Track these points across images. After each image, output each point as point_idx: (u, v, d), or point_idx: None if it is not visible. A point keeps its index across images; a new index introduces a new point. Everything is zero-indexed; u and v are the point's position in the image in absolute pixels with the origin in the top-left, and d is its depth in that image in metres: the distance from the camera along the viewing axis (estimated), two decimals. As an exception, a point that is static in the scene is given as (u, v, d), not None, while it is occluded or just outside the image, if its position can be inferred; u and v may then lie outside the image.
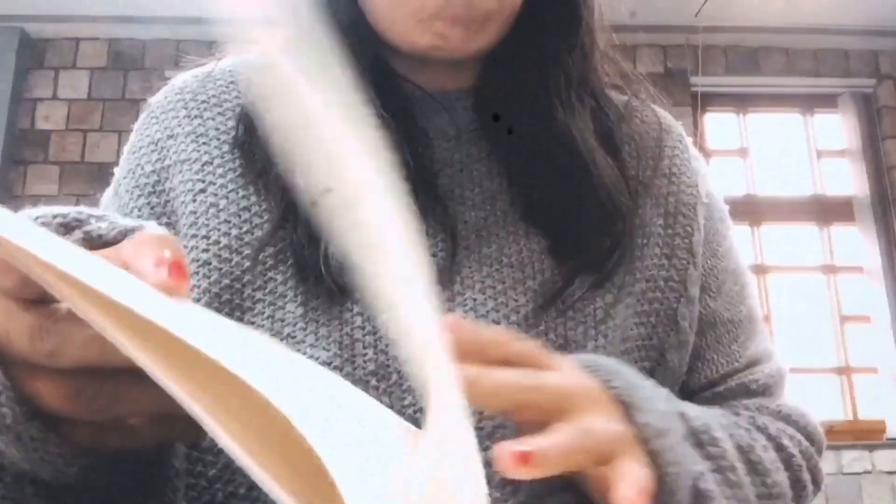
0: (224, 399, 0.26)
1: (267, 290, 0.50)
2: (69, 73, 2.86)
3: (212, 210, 0.52)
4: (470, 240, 0.53)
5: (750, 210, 2.95)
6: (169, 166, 0.54)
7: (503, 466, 0.36)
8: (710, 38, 2.92)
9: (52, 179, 2.76)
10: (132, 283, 0.26)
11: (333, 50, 0.30)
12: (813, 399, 2.70)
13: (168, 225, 0.53)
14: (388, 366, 0.48)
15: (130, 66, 2.87)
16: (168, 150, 0.55)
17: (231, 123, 0.55)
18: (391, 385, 0.47)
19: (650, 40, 2.89)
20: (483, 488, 0.27)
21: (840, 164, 3.06)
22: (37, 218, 0.31)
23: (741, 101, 3.09)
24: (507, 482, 0.46)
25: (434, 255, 0.52)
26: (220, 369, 0.23)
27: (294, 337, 0.48)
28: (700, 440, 0.47)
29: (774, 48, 3.03)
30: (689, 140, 0.65)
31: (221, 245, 0.50)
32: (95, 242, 0.31)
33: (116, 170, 0.58)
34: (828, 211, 3.00)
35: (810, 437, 0.57)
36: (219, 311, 0.49)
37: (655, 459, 0.42)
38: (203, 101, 0.56)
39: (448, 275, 0.51)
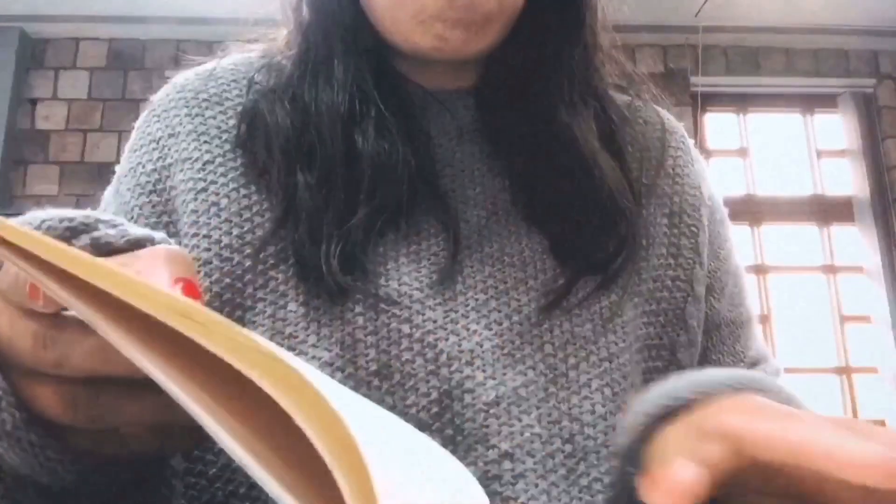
0: (225, 398, 0.26)
1: (268, 290, 0.50)
2: (69, 73, 2.86)
3: (213, 209, 0.51)
4: (472, 239, 0.53)
5: (750, 210, 2.94)
6: (170, 165, 0.54)
7: None
8: (710, 38, 2.92)
9: (52, 179, 2.75)
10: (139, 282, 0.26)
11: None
12: (813, 399, 2.70)
13: (169, 223, 0.53)
14: (390, 366, 0.48)
15: (130, 66, 2.86)
16: (169, 149, 0.55)
17: (232, 122, 0.55)
18: (393, 385, 0.47)
19: (650, 40, 2.88)
20: None
21: (840, 164, 3.06)
22: (43, 221, 0.31)
23: (741, 101, 3.08)
24: None
25: (436, 255, 0.52)
26: (228, 364, 0.23)
27: (296, 337, 0.48)
28: None
29: (774, 48, 3.03)
30: (691, 142, 0.65)
31: (222, 244, 0.50)
32: (103, 249, 0.31)
33: (117, 168, 0.58)
34: (828, 211, 3.00)
35: None
36: (220, 310, 0.49)
37: None
38: (205, 100, 0.56)
39: (450, 274, 0.51)
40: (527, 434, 0.48)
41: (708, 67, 2.95)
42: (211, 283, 0.49)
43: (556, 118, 0.54)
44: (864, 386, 2.82)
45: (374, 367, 0.47)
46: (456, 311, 0.50)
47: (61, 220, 0.31)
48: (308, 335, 0.48)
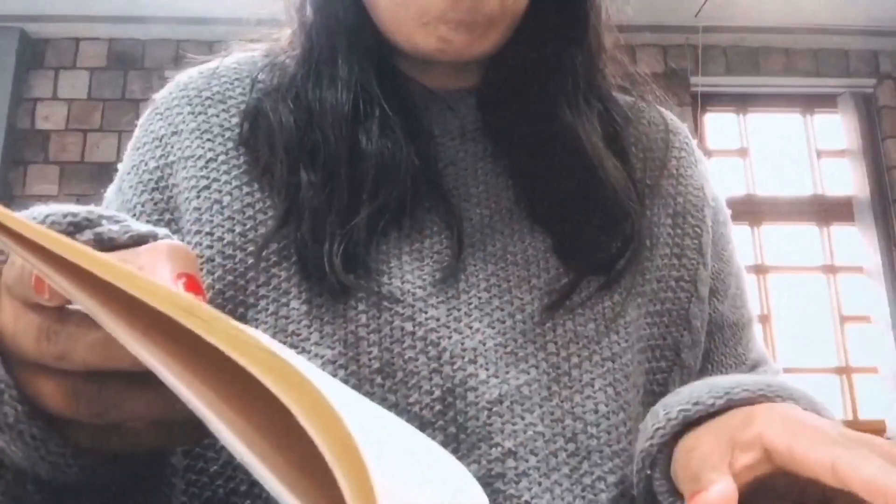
0: (227, 395, 0.26)
1: (271, 287, 0.50)
2: (69, 73, 2.86)
3: (216, 207, 0.51)
4: (475, 238, 0.53)
5: (750, 210, 2.95)
6: (173, 162, 0.54)
7: None
8: (710, 38, 2.92)
9: (52, 179, 2.76)
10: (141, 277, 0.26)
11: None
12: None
13: (171, 221, 0.53)
14: (392, 364, 0.48)
15: (130, 66, 2.87)
16: (172, 147, 0.55)
17: (235, 120, 0.55)
18: (396, 383, 0.47)
19: (650, 40, 2.89)
20: None
21: (840, 164, 3.06)
22: (47, 216, 0.31)
23: (741, 101, 3.09)
24: None
25: (439, 253, 0.52)
26: (231, 361, 0.23)
27: (298, 334, 0.48)
28: None
29: (774, 48, 3.03)
30: (694, 143, 0.65)
31: (225, 242, 0.50)
32: (105, 245, 0.31)
33: (120, 165, 0.58)
34: (828, 211, 3.00)
35: None
36: (222, 307, 0.49)
37: None
38: (207, 98, 0.56)
39: (453, 272, 0.51)
40: (530, 432, 0.48)
41: (708, 67, 2.95)
42: (213, 280, 0.49)
43: (560, 118, 0.54)
44: (864, 386, 2.82)
45: (376, 365, 0.47)
46: (459, 310, 0.50)
47: (65, 216, 0.31)
48: (311, 333, 0.48)
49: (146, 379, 0.27)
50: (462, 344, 0.49)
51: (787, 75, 3.03)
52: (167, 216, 0.53)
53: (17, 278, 0.29)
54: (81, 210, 0.31)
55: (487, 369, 0.48)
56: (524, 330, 0.50)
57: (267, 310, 0.49)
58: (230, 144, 0.54)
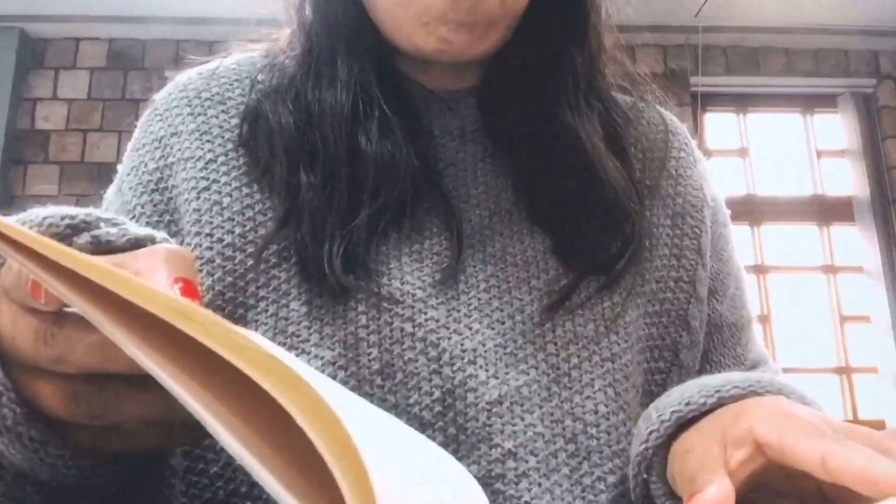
0: (226, 397, 0.26)
1: (270, 289, 0.50)
2: (69, 73, 2.86)
3: (215, 208, 0.51)
4: (474, 238, 0.53)
5: (750, 210, 2.95)
6: (172, 163, 0.54)
7: None
8: (710, 38, 2.92)
9: (52, 179, 2.76)
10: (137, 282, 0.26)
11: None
12: (817, 403, 2.69)
13: (171, 222, 0.53)
14: (392, 364, 0.48)
15: (130, 66, 2.87)
16: (172, 148, 0.55)
17: (235, 121, 0.55)
18: (396, 384, 0.47)
19: (650, 40, 2.88)
20: None
21: (840, 164, 3.06)
22: (45, 218, 0.31)
23: (741, 101, 3.09)
24: None
25: (438, 254, 0.52)
26: (229, 364, 0.23)
27: (298, 336, 0.48)
28: None
29: (774, 48, 3.03)
30: (693, 143, 0.65)
31: (225, 243, 0.50)
32: (103, 247, 0.31)
33: (119, 167, 0.58)
34: (828, 211, 3.00)
35: None
36: (222, 309, 0.49)
37: None
38: (207, 99, 0.56)
39: (452, 273, 0.51)
40: (529, 433, 0.48)
41: (708, 67, 2.95)
42: (213, 281, 0.49)
43: (560, 119, 0.54)
44: (864, 386, 2.82)
45: (376, 366, 0.47)
46: (458, 311, 0.50)
47: (63, 218, 0.31)
48: (310, 334, 0.48)
49: (145, 380, 0.27)
50: (462, 345, 0.49)
51: (787, 75, 3.03)
52: (167, 217, 0.53)
53: (13, 283, 0.29)
54: (79, 212, 0.31)
55: (487, 370, 0.48)
56: (524, 331, 0.50)
57: (267, 311, 0.49)
58: (230, 145, 0.54)
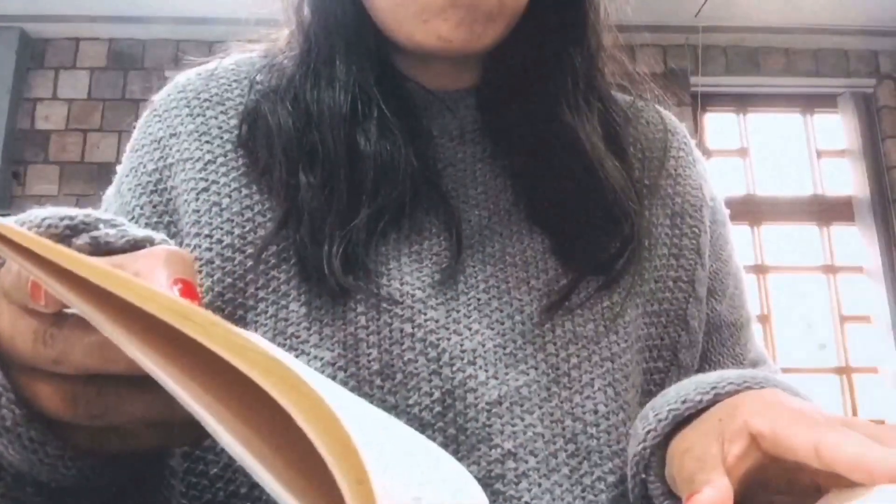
0: (226, 398, 0.26)
1: (270, 290, 0.50)
2: (69, 73, 2.86)
3: (214, 209, 0.51)
4: (473, 239, 0.53)
5: (750, 210, 2.95)
6: (171, 164, 0.54)
7: None
8: (710, 38, 2.92)
9: (52, 179, 2.76)
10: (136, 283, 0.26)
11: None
12: (813, 399, 2.69)
13: (170, 223, 0.53)
14: (392, 365, 0.48)
15: (130, 66, 2.87)
16: (171, 149, 0.55)
17: (234, 122, 0.55)
18: (395, 385, 0.47)
19: (650, 40, 2.88)
20: None
21: (840, 164, 3.06)
22: (44, 219, 0.31)
23: (741, 101, 3.09)
24: None
25: (438, 255, 0.52)
26: (228, 364, 0.23)
27: (298, 336, 0.48)
28: None
29: (774, 48, 3.03)
30: (692, 142, 0.65)
31: (224, 244, 0.50)
32: (102, 249, 0.31)
33: (119, 168, 0.58)
34: (828, 211, 3.00)
35: None
36: (222, 310, 0.49)
37: None
38: (206, 100, 0.56)
39: (452, 274, 0.51)
40: (529, 433, 0.48)
41: (708, 67, 2.95)
42: (213, 282, 0.49)
43: (560, 118, 0.54)
44: (864, 386, 2.82)
45: (376, 366, 0.47)
46: (458, 311, 0.50)
47: (62, 219, 0.31)
48: (310, 335, 0.48)
49: (144, 381, 0.27)
50: (461, 345, 0.49)
51: (787, 75, 3.03)
52: (166, 218, 0.53)
53: (13, 284, 0.29)
54: (78, 213, 0.31)
55: (487, 370, 0.48)
56: (523, 331, 0.50)
57: (266, 312, 0.49)
58: (229, 146, 0.54)
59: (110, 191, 0.58)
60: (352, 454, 0.21)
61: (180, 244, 0.52)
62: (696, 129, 2.90)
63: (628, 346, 0.52)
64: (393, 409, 0.47)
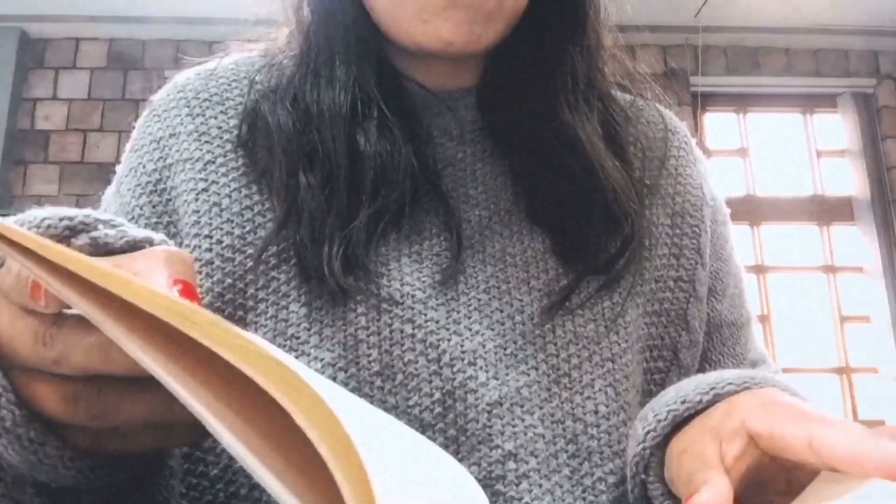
0: (226, 397, 0.26)
1: (270, 290, 0.50)
2: (69, 73, 2.86)
3: (214, 209, 0.51)
4: (474, 239, 0.53)
5: (750, 210, 2.95)
6: (171, 165, 0.54)
7: None
8: (710, 38, 2.92)
9: (52, 179, 2.76)
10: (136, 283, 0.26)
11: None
12: (813, 399, 2.69)
13: (170, 224, 0.53)
14: (392, 366, 0.48)
15: (130, 66, 2.87)
16: (170, 149, 0.55)
17: (233, 122, 0.55)
18: (396, 385, 0.47)
19: (650, 40, 2.88)
20: None
21: (840, 164, 3.06)
22: (43, 219, 0.31)
23: (741, 101, 3.09)
24: None
25: (438, 255, 0.52)
26: (229, 364, 0.23)
27: (298, 337, 0.48)
28: None
29: (774, 48, 3.03)
30: (693, 141, 0.65)
31: (224, 244, 0.50)
32: (101, 249, 0.31)
33: (118, 168, 0.58)
34: (828, 211, 3.00)
35: None
36: (222, 310, 0.49)
37: None
38: (205, 100, 0.56)
39: (452, 274, 0.51)
40: (530, 434, 0.48)
41: (708, 67, 2.95)
42: (213, 283, 0.49)
43: (560, 118, 0.54)
44: (864, 386, 2.82)
45: (376, 367, 0.47)
46: (458, 312, 0.50)
47: (61, 219, 0.31)
48: (310, 336, 0.48)
49: (144, 381, 0.27)
50: (462, 346, 0.49)
51: (787, 75, 3.03)
52: (165, 219, 0.53)
53: (13, 284, 0.29)
54: (78, 214, 0.31)
55: (487, 371, 0.48)
56: (524, 331, 0.50)
57: (266, 312, 0.49)
58: (228, 147, 0.54)
59: (110, 191, 0.58)
60: (352, 454, 0.21)
61: (180, 244, 0.52)
62: (696, 129, 2.90)
63: (629, 347, 0.52)
64: (393, 410, 0.47)
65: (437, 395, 0.47)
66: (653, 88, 0.63)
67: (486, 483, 0.46)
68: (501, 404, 0.48)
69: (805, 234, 2.99)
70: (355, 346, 0.48)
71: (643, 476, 0.44)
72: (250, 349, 0.23)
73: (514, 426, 0.48)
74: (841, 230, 2.99)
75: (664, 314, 0.56)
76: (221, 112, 0.56)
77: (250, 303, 0.49)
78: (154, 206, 0.54)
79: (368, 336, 0.48)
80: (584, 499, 0.48)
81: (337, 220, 0.49)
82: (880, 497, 0.30)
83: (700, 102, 2.91)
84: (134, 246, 0.31)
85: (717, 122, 3.08)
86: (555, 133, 0.54)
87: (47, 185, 2.75)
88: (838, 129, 3.08)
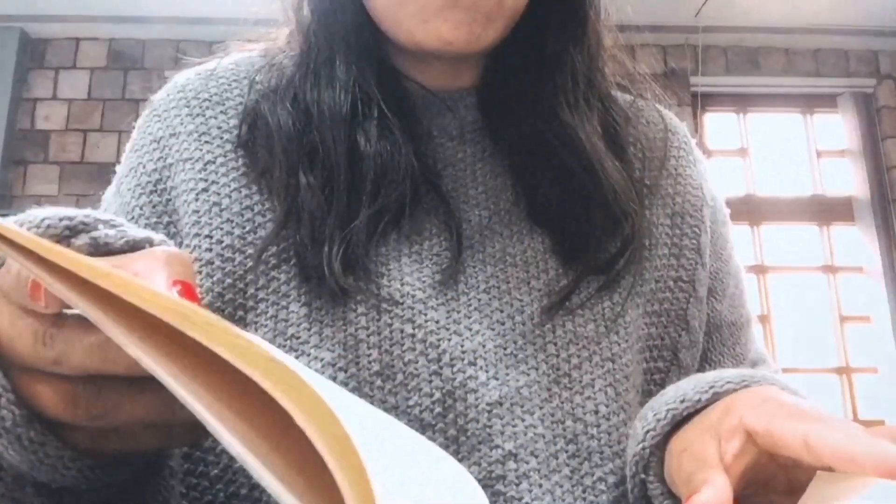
0: (226, 397, 0.26)
1: (270, 290, 0.50)
2: (69, 73, 2.86)
3: (214, 209, 0.51)
4: (474, 239, 0.53)
5: (750, 210, 2.95)
6: (171, 165, 0.54)
7: None
8: (710, 38, 2.92)
9: (52, 179, 2.76)
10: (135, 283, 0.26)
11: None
12: (813, 399, 2.69)
13: (170, 223, 0.53)
14: (392, 366, 0.48)
15: (130, 66, 2.87)
16: (170, 149, 0.55)
17: (233, 122, 0.55)
18: (396, 385, 0.47)
19: (650, 40, 2.88)
20: None
21: (840, 164, 3.06)
22: (43, 220, 0.31)
23: (741, 101, 3.08)
24: None
25: (438, 255, 0.52)
26: (229, 364, 0.23)
27: (298, 337, 0.48)
28: None
29: (774, 48, 3.03)
30: (693, 142, 0.65)
31: (224, 244, 0.50)
32: (101, 249, 0.31)
33: (118, 168, 0.58)
34: (828, 211, 3.00)
35: None
36: (222, 310, 0.49)
37: None
38: (205, 100, 0.56)
39: (452, 274, 0.51)
40: (530, 434, 0.48)
41: (708, 67, 2.95)
42: (213, 283, 0.49)
43: (560, 118, 0.54)
44: (864, 386, 2.82)
45: (376, 367, 0.47)
46: (458, 312, 0.50)
47: (61, 219, 0.31)
48: (310, 336, 0.48)
49: (144, 382, 0.27)
50: (462, 346, 0.49)
51: (787, 75, 3.03)
52: (165, 219, 0.53)
53: (13, 284, 0.29)
54: (77, 214, 0.31)
55: (487, 371, 0.48)
56: (524, 331, 0.50)
57: (266, 313, 0.49)
58: (228, 147, 0.54)
59: (110, 191, 0.58)
60: (352, 454, 0.21)
61: (180, 244, 0.52)
62: (696, 129, 2.90)
63: (629, 347, 0.52)
64: (393, 410, 0.47)
65: (437, 395, 0.47)
66: (653, 88, 0.63)
67: (487, 483, 0.46)
68: (501, 404, 0.48)
69: (805, 234, 2.99)
70: (355, 346, 0.48)
71: (643, 475, 0.44)
72: (250, 349, 0.23)
73: (514, 426, 0.48)
74: (841, 230, 2.99)
75: (664, 314, 0.56)
76: (221, 112, 0.56)
77: (250, 303, 0.49)
78: (154, 206, 0.54)
79: (368, 336, 0.48)
80: (584, 499, 0.48)
81: (337, 220, 0.49)
82: (883, 496, 0.30)
83: (700, 102, 2.91)
84: (134, 246, 0.31)
85: (716, 122, 3.08)
86: (555, 133, 0.54)
87: (47, 185, 2.75)
88: (838, 129, 3.08)
